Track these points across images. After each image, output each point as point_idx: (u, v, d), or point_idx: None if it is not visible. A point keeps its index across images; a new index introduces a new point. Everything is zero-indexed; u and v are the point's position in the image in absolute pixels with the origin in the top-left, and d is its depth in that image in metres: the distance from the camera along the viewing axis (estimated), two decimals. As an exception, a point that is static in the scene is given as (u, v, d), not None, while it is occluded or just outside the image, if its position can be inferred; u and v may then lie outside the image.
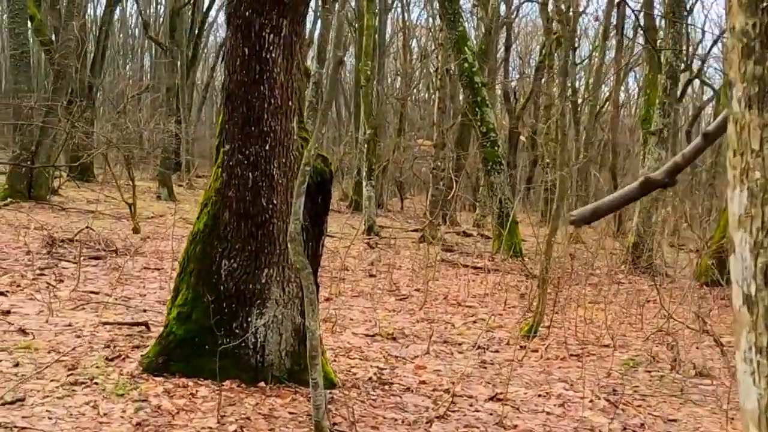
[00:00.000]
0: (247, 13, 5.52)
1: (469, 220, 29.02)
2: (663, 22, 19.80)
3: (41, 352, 6.24)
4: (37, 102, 19.24)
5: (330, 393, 5.68)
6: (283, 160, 5.75)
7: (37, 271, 9.86)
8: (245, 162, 5.70)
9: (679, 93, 22.40)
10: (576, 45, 34.69)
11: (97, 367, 5.89)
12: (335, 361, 6.86)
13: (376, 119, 23.26)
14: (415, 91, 43.05)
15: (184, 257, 6.09)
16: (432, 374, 6.93)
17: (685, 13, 23.01)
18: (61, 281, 9.50)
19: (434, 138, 21.37)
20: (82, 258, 10.35)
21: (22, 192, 18.37)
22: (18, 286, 8.92)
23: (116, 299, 8.71)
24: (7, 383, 5.44)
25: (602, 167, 33.25)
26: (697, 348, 8.94)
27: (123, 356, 6.18)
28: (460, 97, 35.26)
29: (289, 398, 5.59)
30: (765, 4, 1.51)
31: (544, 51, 35.10)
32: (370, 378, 6.51)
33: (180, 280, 6.03)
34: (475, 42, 27.33)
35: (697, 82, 38.05)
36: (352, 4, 29.00)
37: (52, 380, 5.54)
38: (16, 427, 4.70)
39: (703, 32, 44.77)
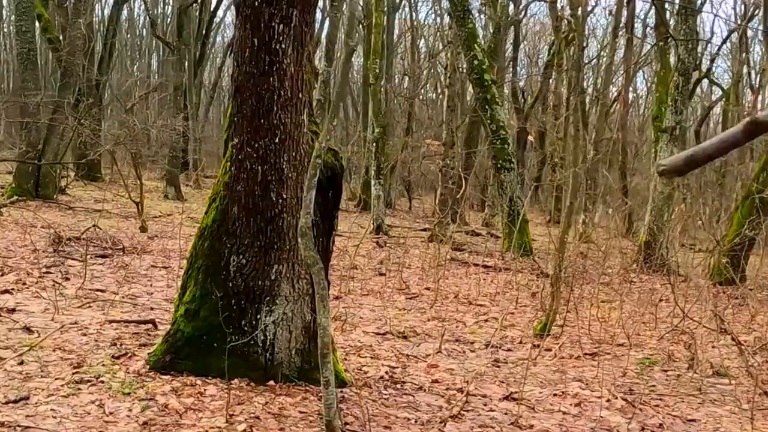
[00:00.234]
0: (256, 3, 5.38)
1: (478, 220, 28.90)
2: (672, 20, 19.64)
3: (46, 350, 6.12)
4: (44, 99, 19.15)
5: (341, 392, 5.56)
6: (293, 154, 5.61)
7: (44, 269, 9.76)
8: (254, 156, 5.56)
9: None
10: (584, 44, 34.53)
11: (103, 365, 5.77)
12: (346, 359, 6.73)
13: (384, 118, 23.10)
14: (422, 90, 42.96)
15: (191, 253, 5.96)
16: (445, 373, 6.79)
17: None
18: (68, 279, 9.38)
19: (443, 136, 21.21)
20: (88, 256, 10.26)
21: (29, 190, 18.30)
22: (24, 283, 8.81)
23: (123, 297, 8.60)
24: (11, 381, 5.32)
25: (611, 166, 33.04)
26: (713, 347, 8.78)
27: (129, 354, 6.06)
28: (468, 96, 35.23)
29: (299, 397, 5.45)
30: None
31: (552, 50, 34.99)
32: (381, 377, 6.37)
33: (187, 277, 5.90)
34: (483, 41, 27.15)
35: (705, 81, 37.85)
36: (361, 2, 28.86)
37: (57, 378, 5.42)
38: (19, 426, 4.58)
39: (712, 32, 44.60)
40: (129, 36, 51.29)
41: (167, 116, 25.69)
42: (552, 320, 8.71)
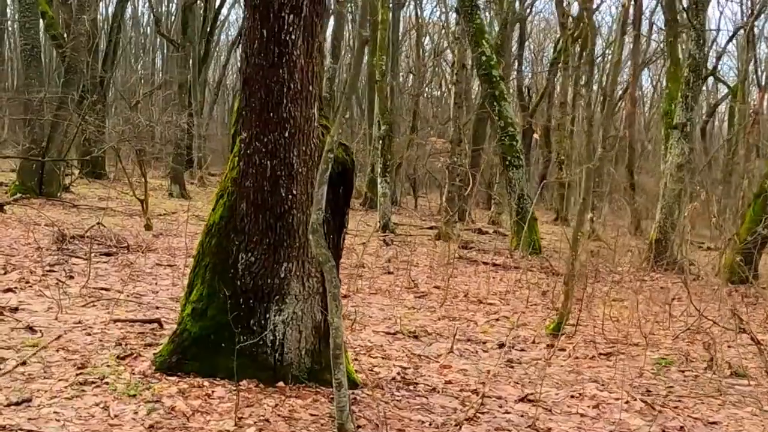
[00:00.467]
0: (265, -8, 5.22)
1: (484, 217, 28.73)
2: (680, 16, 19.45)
3: (50, 351, 5.96)
4: (48, 96, 19.01)
5: (353, 393, 5.39)
6: (303, 148, 5.44)
7: (47, 268, 9.60)
8: (263, 150, 5.38)
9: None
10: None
11: (108, 366, 5.61)
12: (356, 360, 6.56)
13: (390, 116, 22.92)
14: (427, 88, 42.79)
15: (198, 251, 5.79)
16: (458, 374, 6.62)
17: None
18: (72, 277, 9.22)
19: (450, 134, 21.04)
20: (92, 254, 10.10)
21: (33, 188, 18.16)
22: (27, 282, 8.65)
23: (128, 296, 8.44)
24: (13, 383, 5.17)
25: (617, 164, 32.85)
26: (729, 347, 8.60)
27: (135, 355, 5.90)
28: (473, 94, 35.06)
29: (309, 399, 5.29)
30: None
31: (558, 47, 34.79)
32: (393, 378, 6.20)
33: (194, 275, 5.74)
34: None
35: (711, 79, 37.63)
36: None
37: (60, 380, 5.26)
38: (21, 429, 4.43)
39: (718, 29, 44.38)
40: (133, 33, 51.16)
41: (172, 114, 25.52)
42: (565, 319, 8.54)
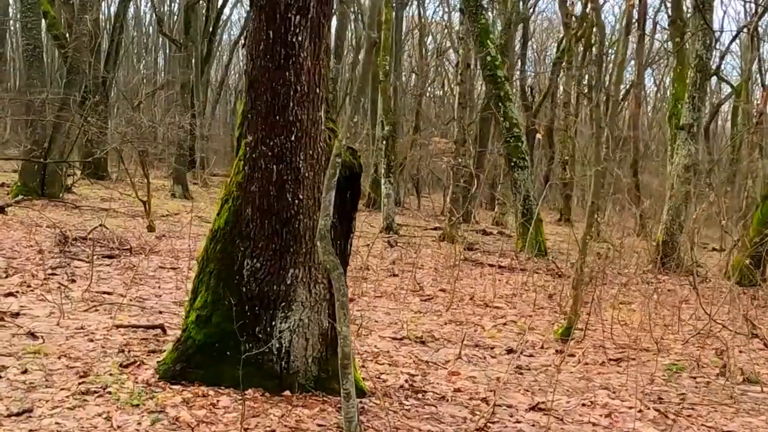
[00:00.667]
0: (271, -7, 5.11)
1: (488, 218, 28.61)
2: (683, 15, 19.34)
3: (51, 358, 5.85)
4: (50, 97, 18.91)
5: (360, 402, 5.27)
6: (310, 152, 5.33)
7: (49, 271, 9.49)
8: (269, 154, 5.27)
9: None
10: (593, 41, 34.18)
11: (111, 374, 5.49)
12: (363, 367, 6.44)
13: (394, 116, 22.81)
14: (430, 88, 42.69)
15: (203, 257, 5.67)
16: (467, 381, 6.50)
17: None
18: (74, 281, 9.12)
19: (455, 134, 20.91)
20: (95, 257, 9.99)
21: (35, 189, 18.06)
22: (29, 286, 8.55)
23: (130, 300, 8.32)
24: (14, 392, 5.06)
25: (621, 165, 32.71)
26: (741, 352, 8.48)
27: (138, 362, 5.78)
28: (475, 94, 34.94)
29: (317, 408, 5.17)
30: None
31: (562, 46, 34.65)
32: (401, 386, 6.08)
33: (199, 282, 5.62)
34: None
35: (714, 78, 37.48)
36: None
37: (62, 389, 5.15)
38: (22, 441, 4.32)
39: (722, 29, 44.17)
40: (136, 33, 51.07)
41: (174, 114, 25.43)
42: (574, 324, 8.42)
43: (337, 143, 4.71)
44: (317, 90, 5.30)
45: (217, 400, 5.10)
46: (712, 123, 41.22)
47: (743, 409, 6.45)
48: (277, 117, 5.22)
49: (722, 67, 37.93)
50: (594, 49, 30.76)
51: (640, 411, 5.95)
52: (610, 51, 37.55)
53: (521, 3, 33.99)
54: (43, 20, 20.87)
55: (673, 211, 16.13)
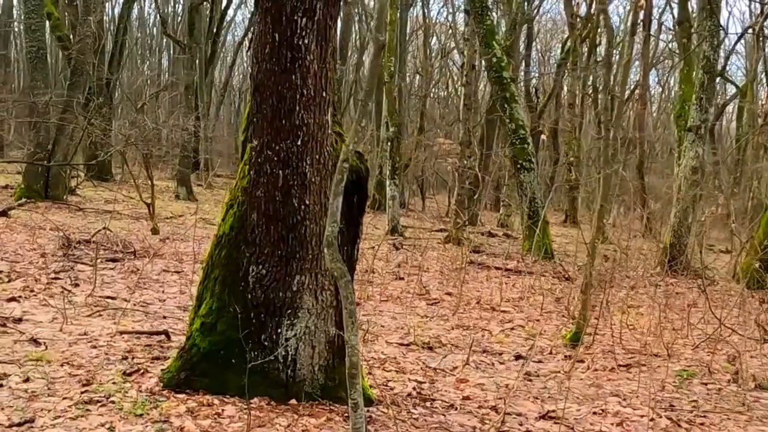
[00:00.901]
0: (277, -5, 5.01)
1: (493, 220, 28.51)
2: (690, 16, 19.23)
3: (54, 365, 5.76)
4: (53, 99, 18.84)
5: (368, 411, 5.17)
6: (317, 157, 5.23)
7: (52, 275, 9.41)
8: (275, 159, 5.18)
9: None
10: (598, 42, 34.07)
11: (114, 382, 5.40)
12: (370, 374, 6.34)
13: (398, 117, 22.71)
14: (434, 89, 42.59)
15: (207, 262, 5.58)
16: (475, 388, 6.40)
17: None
18: (77, 285, 9.03)
19: (460, 135, 20.81)
20: (98, 260, 9.91)
21: (39, 191, 17.99)
22: (31, 290, 8.46)
23: (134, 305, 8.24)
24: (15, 401, 4.97)
25: (626, 166, 32.58)
26: (752, 357, 8.37)
27: (142, 370, 5.68)
28: (480, 95, 34.83)
29: (323, 418, 5.08)
30: None
31: (566, 47, 34.54)
32: (409, 393, 5.98)
33: (203, 288, 5.52)
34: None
35: (718, 79, 37.31)
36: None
37: (64, 398, 5.06)
38: (23, 453, 4.23)
39: (726, 30, 44.01)
40: (140, 34, 51.05)
41: (178, 115, 25.36)
42: (583, 329, 8.32)
43: (344, 148, 4.61)
44: (324, 93, 5.21)
45: (222, 410, 5.00)
46: (716, 124, 41.08)
47: (756, 416, 6.34)
48: (283, 121, 5.13)
49: (727, 67, 37.82)
50: (600, 50, 30.64)
51: (651, 419, 5.85)
52: (614, 51, 37.47)
53: (526, 4, 33.87)
54: (47, 21, 20.82)
55: (680, 213, 16.01)
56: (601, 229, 9.19)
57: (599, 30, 32.56)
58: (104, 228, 12.17)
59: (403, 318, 9.16)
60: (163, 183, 26.85)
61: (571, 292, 11.17)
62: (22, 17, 24.57)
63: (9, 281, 8.83)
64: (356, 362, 4.43)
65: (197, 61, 30.33)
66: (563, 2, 33.48)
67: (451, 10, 45.87)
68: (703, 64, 16.10)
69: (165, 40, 45.87)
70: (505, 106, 16.95)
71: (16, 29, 36.95)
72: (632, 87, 36.32)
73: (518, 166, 16.98)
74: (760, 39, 33.46)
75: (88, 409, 4.88)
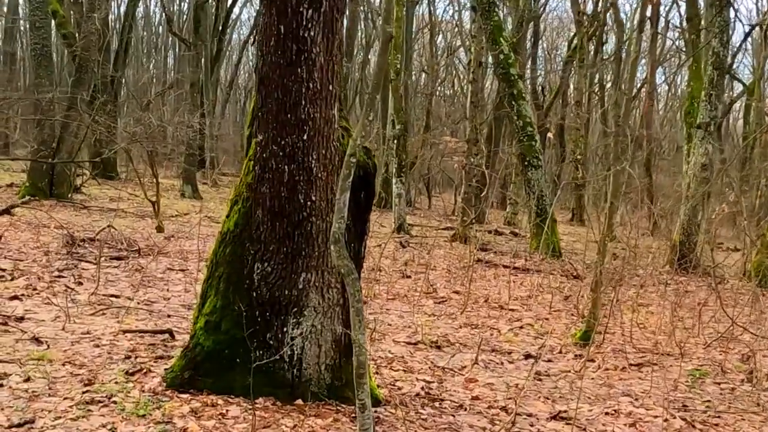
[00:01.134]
0: (282, -14, 4.89)
1: (499, 218, 28.36)
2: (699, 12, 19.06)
3: (56, 365, 5.65)
4: (58, 96, 18.75)
5: (375, 412, 5.05)
6: (323, 152, 5.12)
7: (55, 273, 9.31)
8: (280, 154, 5.06)
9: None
10: (604, 40, 33.92)
11: (116, 382, 5.29)
12: (377, 373, 6.24)
13: (405, 114, 22.59)
14: (440, 87, 42.47)
15: (212, 260, 5.46)
16: (484, 388, 6.28)
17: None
18: (81, 284, 8.93)
19: (467, 133, 20.68)
20: (103, 258, 9.80)
21: (43, 190, 17.91)
22: (35, 289, 8.35)
23: (138, 303, 8.13)
24: (16, 401, 4.86)
25: (633, 164, 32.40)
26: (765, 356, 8.22)
27: (145, 370, 5.57)
28: (486, 93, 34.68)
29: (330, 418, 4.96)
30: None
31: (573, 44, 34.36)
32: (417, 393, 5.87)
33: (208, 286, 5.41)
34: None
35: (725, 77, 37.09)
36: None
37: (65, 398, 4.95)
38: (23, 454, 4.12)
39: (734, 26, 43.76)
40: (145, 33, 50.99)
41: (184, 113, 25.27)
42: (593, 327, 8.19)
43: (351, 142, 4.50)
44: (330, 87, 5.09)
45: (227, 410, 4.89)
46: (724, 122, 40.84)
47: (771, 416, 6.22)
48: (289, 115, 5.02)
49: (734, 65, 37.58)
50: (607, 48, 30.52)
51: (665, 420, 5.72)
52: (622, 47, 37.29)
53: (532, 1, 33.71)
54: (52, 19, 20.73)
55: (690, 211, 15.86)
56: (611, 226, 9.05)
57: (607, 27, 32.45)
58: (109, 226, 12.07)
59: (410, 316, 9.04)
60: (168, 181, 26.76)
61: (580, 290, 11.05)
62: (27, 14, 24.53)
63: (12, 279, 8.73)
64: (364, 361, 4.31)
65: (203, 59, 30.24)
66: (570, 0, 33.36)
67: (456, 8, 45.71)
68: (712, 60, 15.96)
69: (171, 38, 45.78)
70: (513, 102, 16.82)
71: (22, 28, 36.91)
72: (639, 85, 36.16)
73: (526, 163, 16.85)
74: (767, 36, 33.25)
75: (89, 410, 4.77)
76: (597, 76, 34.49)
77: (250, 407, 4.84)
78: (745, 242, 16.71)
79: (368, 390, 4.36)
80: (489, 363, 7.25)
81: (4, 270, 9.10)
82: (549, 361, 7.57)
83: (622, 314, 9.66)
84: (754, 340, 8.60)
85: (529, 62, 37.04)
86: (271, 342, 5.16)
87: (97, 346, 6.28)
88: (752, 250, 15.11)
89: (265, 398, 5.08)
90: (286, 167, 5.06)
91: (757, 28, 34.70)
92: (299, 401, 5.12)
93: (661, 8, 33.18)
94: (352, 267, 4.41)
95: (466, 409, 5.63)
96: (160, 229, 14.57)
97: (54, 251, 10.78)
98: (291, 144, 5.04)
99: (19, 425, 4.50)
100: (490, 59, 18.45)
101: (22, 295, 7.98)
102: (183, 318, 7.58)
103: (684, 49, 32.14)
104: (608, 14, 32.32)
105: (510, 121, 18.63)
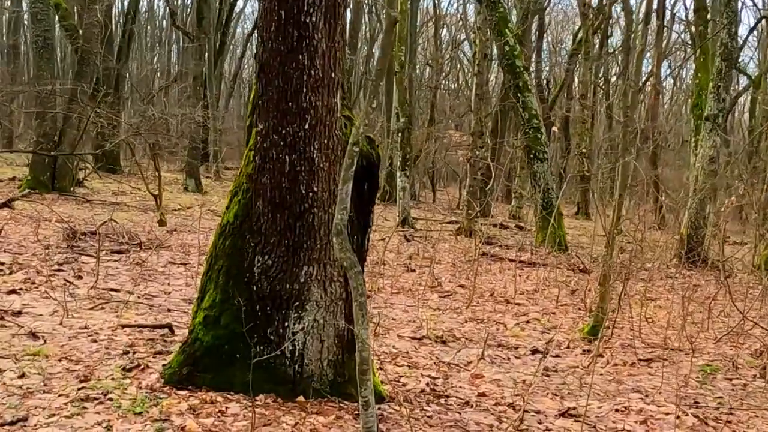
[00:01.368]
0: (283, -30, 4.74)
1: (504, 211, 28.22)
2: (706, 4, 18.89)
3: (52, 360, 5.52)
4: (59, 88, 18.63)
5: (379, 409, 4.91)
6: (325, 141, 4.97)
7: (55, 267, 9.18)
8: (281, 143, 4.92)
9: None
10: (609, 33, 33.74)
11: (113, 378, 5.15)
12: (381, 369, 6.09)
13: (409, 108, 22.43)
14: (444, 81, 42.30)
15: (211, 253, 5.32)
16: (491, 384, 6.13)
17: None
18: (80, 277, 8.79)
19: (471, 126, 20.52)
20: (103, 252, 9.67)
21: (45, 183, 17.80)
22: (33, 283, 8.22)
23: (138, 297, 7.99)
24: (9, 398, 4.72)
25: (639, 156, 32.18)
26: (776, 351, 8.07)
27: (142, 366, 5.43)
28: (490, 86, 34.50)
29: (333, 416, 4.82)
30: None
31: (578, 37, 34.18)
32: (422, 390, 5.72)
33: (207, 280, 5.26)
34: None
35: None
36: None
37: (60, 395, 4.81)
38: (14, 453, 3.98)
39: (740, 21, 43.52)
40: (148, 26, 50.85)
41: (187, 107, 25.12)
42: (601, 322, 8.03)
43: (354, 131, 4.35)
44: (332, 74, 4.94)
45: (226, 407, 4.75)
46: (729, 115, 40.62)
47: (785, 414, 6.06)
48: (290, 103, 4.87)
49: (740, 58, 37.36)
50: (612, 41, 30.31)
51: (677, 417, 5.57)
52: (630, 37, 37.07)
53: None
54: (54, 10, 20.60)
55: (697, 204, 15.69)
56: (620, 219, 8.90)
57: (612, 19, 32.24)
58: (110, 219, 11.94)
59: (414, 311, 8.90)
60: (171, 175, 26.66)
61: (587, 284, 10.89)
62: (29, 6, 24.40)
63: (10, 273, 8.60)
64: (367, 357, 4.18)
65: (206, 52, 30.08)
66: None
67: (461, 2, 45.50)
68: (720, 52, 15.77)
69: (174, 31, 45.62)
70: (518, 94, 16.65)
71: (26, 21, 36.78)
72: (644, 78, 35.95)
73: (531, 155, 16.69)
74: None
75: (84, 407, 4.63)
76: (602, 69, 34.31)
77: (250, 404, 4.70)
78: (755, 236, 16.52)
79: (372, 386, 4.22)
80: (495, 358, 7.10)
81: (2, 264, 8.98)
82: (557, 356, 7.42)
83: (631, 308, 9.51)
84: (766, 335, 8.44)
85: (534, 55, 36.86)
86: (272, 337, 5.02)
87: (95, 341, 6.15)
88: (761, 243, 14.92)
89: (266, 395, 4.93)
90: (287, 157, 4.92)
91: (764, 21, 34.51)
92: (301, 398, 4.97)
93: (667, 1, 32.92)
94: (355, 260, 4.27)
95: (472, 406, 5.48)
96: (162, 222, 14.44)
97: (54, 245, 10.65)
98: (292, 133, 4.89)
99: (12, 423, 4.37)
100: (495, 51, 18.25)
101: (21, 289, 7.86)
102: (183, 312, 7.44)
103: (689, 42, 31.92)
104: (614, 6, 32.15)
105: (515, 114, 18.44)
